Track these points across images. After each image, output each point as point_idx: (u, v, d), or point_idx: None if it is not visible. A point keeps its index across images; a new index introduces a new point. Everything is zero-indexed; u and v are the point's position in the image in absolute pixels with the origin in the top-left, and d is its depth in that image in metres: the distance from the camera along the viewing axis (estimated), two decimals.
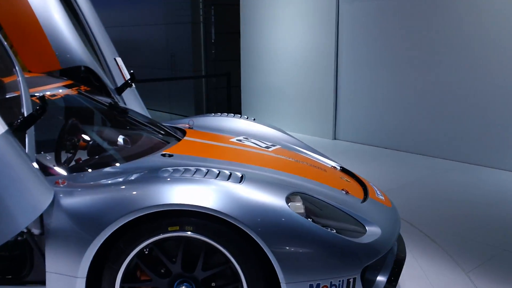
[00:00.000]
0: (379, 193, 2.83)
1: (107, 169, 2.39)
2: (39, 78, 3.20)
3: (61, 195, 2.07)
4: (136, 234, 2.00)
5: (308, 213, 2.17)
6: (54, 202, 2.05)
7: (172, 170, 2.16)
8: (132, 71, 4.06)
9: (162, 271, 2.08)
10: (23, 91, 2.24)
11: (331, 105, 6.88)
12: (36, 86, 2.91)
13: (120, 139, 3.01)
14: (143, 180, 2.11)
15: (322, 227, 2.13)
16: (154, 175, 2.12)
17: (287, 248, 1.98)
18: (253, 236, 1.95)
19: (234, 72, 8.22)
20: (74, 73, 3.57)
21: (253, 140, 3.24)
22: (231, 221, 1.95)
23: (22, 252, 2.15)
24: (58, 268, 2.02)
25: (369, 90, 6.53)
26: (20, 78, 2.29)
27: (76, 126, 3.25)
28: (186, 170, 2.17)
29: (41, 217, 2.01)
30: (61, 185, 2.15)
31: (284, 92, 7.53)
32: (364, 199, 2.63)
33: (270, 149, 3.09)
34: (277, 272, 1.97)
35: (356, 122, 6.75)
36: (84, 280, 2.00)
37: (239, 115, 3.85)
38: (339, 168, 3.19)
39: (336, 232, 2.14)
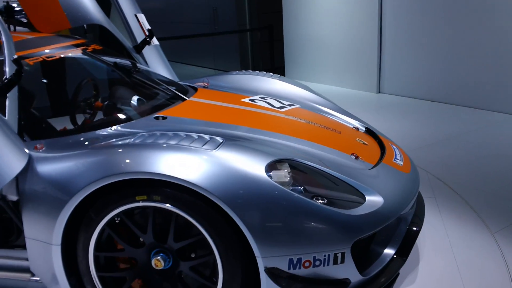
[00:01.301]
0: (398, 158, 2.55)
1: (88, 134, 2.30)
2: (48, 38, 3.15)
3: (37, 160, 2.02)
4: (105, 203, 1.92)
5: (300, 182, 1.98)
6: (30, 167, 2.01)
7: (147, 135, 2.04)
8: (150, 27, 3.92)
9: (136, 241, 1.99)
10: (7, 54, 2.19)
11: (375, 57, 6.42)
12: (42, 46, 2.87)
13: (120, 100, 2.94)
14: (114, 147, 1.99)
15: (312, 197, 1.94)
16: (126, 141, 2.01)
17: (262, 219, 1.81)
18: (222, 207, 1.80)
19: (277, 25, 7.87)
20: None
21: (269, 100, 3.03)
22: (198, 191, 1.81)
23: (7, 217, 2.17)
24: (35, 234, 1.99)
25: (415, 41, 5.99)
26: (4, 40, 2.24)
27: (89, 86, 3.23)
28: (162, 135, 2.03)
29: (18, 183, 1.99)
30: (40, 150, 2.11)
31: (327, 45, 7.13)
32: (376, 164, 2.38)
33: (283, 110, 2.87)
34: (252, 245, 1.80)
35: (401, 74, 6.27)
36: (59, 247, 1.97)
37: (264, 72, 3.65)
38: (363, 129, 2.92)
39: (329, 202, 1.94)
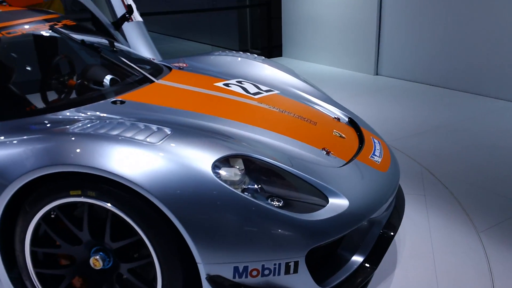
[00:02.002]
0: (377, 154, 2.34)
1: (37, 118, 2.12)
2: (18, 12, 2.95)
3: None
4: (38, 196, 1.75)
5: (256, 181, 1.80)
6: None
7: (88, 124, 1.85)
8: (131, 3, 3.70)
9: (73, 238, 1.83)
10: None
11: (373, 39, 6.15)
12: (11, 20, 2.68)
13: (90, 80, 2.74)
14: (49, 135, 1.81)
15: (268, 197, 1.76)
16: (64, 130, 1.82)
17: (204, 222, 1.62)
18: (160, 207, 1.62)
19: (276, 3, 7.57)
20: None
21: (245, 85, 2.83)
22: (134, 188, 1.62)
23: None
24: None
25: (415, 23, 5.72)
26: None
27: (62, 63, 3.03)
28: (104, 124, 1.83)
29: None
30: None
31: (325, 24, 6.86)
32: (349, 161, 2.18)
33: (257, 96, 2.67)
34: (192, 250, 1.63)
35: (399, 56, 6.02)
36: None
37: (248, 54, 3.43)
38: (345, 119, 2.72)
39: (285, 204, 1.76)
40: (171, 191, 1.62)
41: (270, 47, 7.92)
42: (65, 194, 1.71)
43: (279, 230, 1.69)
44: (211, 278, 1.67)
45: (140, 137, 1.74)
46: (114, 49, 3.07)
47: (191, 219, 1.62)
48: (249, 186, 1.78)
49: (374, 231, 2.12)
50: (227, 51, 3.49)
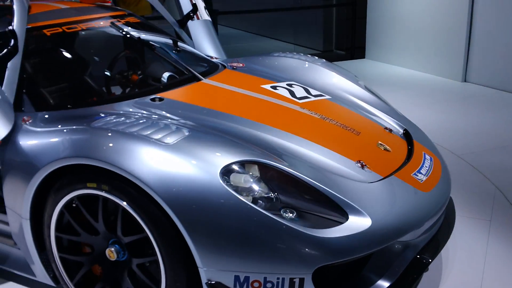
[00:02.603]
0: (422, 172, 2.14)
1: (74, 111, 2.22)
2: (84, 8, 3.15)
3: (19, 132, 2.03)
4: (61, 185, 1.84)
5: (270, 189, 1.73)
6: (12, 138, 2.02)
7: (113, 120, 1.90)
8: (195, 1, 3.76)
9: (92, 228, 1.90)
10: (15, 24, 2.20)
11: (462, 43, 5.67)
12: (75, 16, 2.87)
13: (141, 76, 2.84)
14: (78, 129, 1.88)
15: (281, 208, 1.69)
16: (89, 124, 1.89)
17: (207, 227, 1.59)
18: (163, 207, 1.61)
19: (362, 2, 7.28)
20: None
21: (295, 88, 2.74)
22: (141, 186, 1.64)
23: None
24: (12, 205, 2.00)
25: (509, 28, 5.16)
26: (16, 11, 2.25)
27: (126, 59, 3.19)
28: (125, 120, 1.88)
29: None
30: (27, 123, 2.10)
31: (412, 26, 6.48)
32: (386, 177, 2.02)
33: (303, 101, 2.56)
34: (193, 253, 1.61)
35: (491, 63, 5.49)
36: (28, 222, 1.95)
37: (309, 56, 3.33)
38: (400, 131, 2.53)
39: (299, 216, 1.68)
40: (176, 193, 1.61)
41: (352, 48, 7.66)
42: (83, 186, 1.78)
43: (285, 244, 1.60)
44: (211, 284, 1.64)
45: (156, 136, 1.75)
46: (178, 48, 3.15)
47: (194, 222, 1.60)
48: (263, 194, 1.72)
49: (407, 255, 1.95)
50: (287, 53, 3.42)
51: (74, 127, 1.92)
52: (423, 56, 6.40)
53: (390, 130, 2.52)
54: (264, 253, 1.60)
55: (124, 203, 1.70)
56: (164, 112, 2.18)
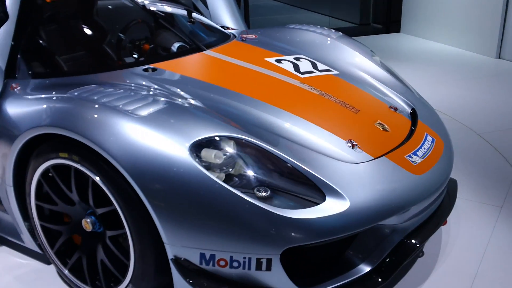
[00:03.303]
0: (418, 154, 2.01)
1: (65, 79, 2.19)
2: None
3: (5, 99, 2.03)
4: (38, 154, 1.84)
5: (246, 165, 1.67)
6: None
7: (88, 89, 1.86)
8: None
9: (68, 197, 1.89)
10: None
11: (498, 18, 5.34)
12: None
13: (152, 46, 2.78)
14: (58, 98, 1.86)
15: (255, 186, 1.63)
16: (69, 93, 1.87)
17: (172, 202, 1.55)
18: (129, 181, 1.58)
19: None
20: None
21: (301, 62, 2.61)
22: (108, 158, 1.60)
23: None
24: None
25: None
26: None
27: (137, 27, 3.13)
28: (102, 90, 1.84)
29: None
30: (15, 90, 2.10)
31: (447, 0, 6.12)
32: (376, 158, 1.91)
33: (304, 76, 2.45)
34: (158, 229, 1.58)
35: None
36: (12, 189, 1.98)
37: (326, 28, 3.19)
38: (407, 110, 2.38)
39: (271, 195, 1.61)
40: (143, 166, 1.57)
41: (388, 22, 7.34)
42: (56, 155, 1.77)
43: (252, 223, 1.54)
44: (176, 261, 1.61)
45: (129, 107, 1.70)
46: (191, 19, 3.08)
47: (159, 197, 1.56)
48: (237, 171, 1.66)
49: (393, 239, 1.86)
50: (303, 25, 3.28)
51: (53, 95, 1.91)
52: (458, 31, 6.10)
53: (396, 109, 2.38)
54: (230, 231, 1.55)
55: (93, 174, 1.68)
56: (152, 83, 2.13)
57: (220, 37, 2.95)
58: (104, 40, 2.63)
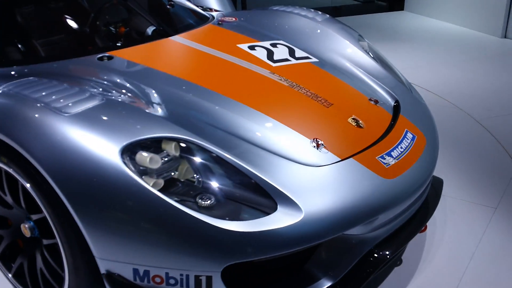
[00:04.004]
0: (394, 155, 1.79)
1: (3, 69, 2.01)
2: None
3: None
4: None
5: (196, 171, 1.50)
6: None
7: (19, 83, 1.68)
8: None
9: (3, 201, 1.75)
10: None
11: None
12: None
13: (128, 29, 2.59)
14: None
15: (197, 194, 1.45)
16: (2, 88, 1.69)
17: (101, 214, 1.39)
18: (55, 189, 1.42)
19: None
20: None
21: (277, 48, 2.39)
22: (32, 162, 1.44)
23: None
24: None
25: None
26: None
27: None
28: (34, 84, 1.67)
29: None
30: None
31: None
32: (343, 160, 1.72)
33: (276, 64, 2.24)
34: (88, 242, 1.43)
35: None
36: None
37: (312, 10, 2.97)
38: (391, 103, 2.16)
39: (215, 205, 1.44)
40: (68, 170, 1.40)
41: None
42: None
43: (189, 237, 1.37)
44: (109, 276, 1.46)
45: (58, 103, 1.52)
46: (171, 2, 2.87)
47: (86, 206, 1.40)
48: (179, 176, 1.49)
49: (360, 250, 1.68)
50: (289, 6, 3.07)
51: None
52: (463, 9, 5.89)
53: (376, 102, 2.17)
54: (165, 245, 1.39)
55: (21, 177, 1.53)
56: (101, 74, 1.95)
57: (196, 20, 2.75)
58: (61, 24, 2.44)
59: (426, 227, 2.03)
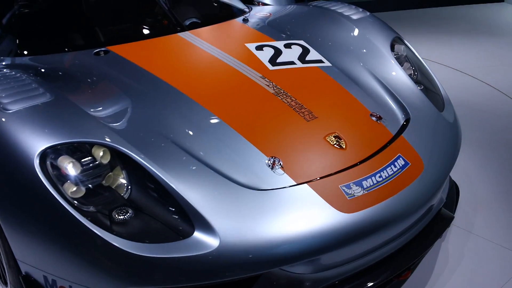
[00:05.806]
0: (366, 185, 1.54)
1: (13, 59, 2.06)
2: None
3: None
4: None
5: (121, 182, 1.43)
6: None
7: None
8: None
9: None
10: None
11: None
12: None
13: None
14: None
15: (116, 207, 1.38)
16: None
17: (16, 219, 1.39)
18: None
19: None
20: None
21: (291, 50, 2.23)
22: None
23: None
24: None
25: None
26: None
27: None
28: (4, 78, 1.69)
29: None
30: None
31: None
32: (297, 185, 1.52)
33: (274, 68, 2.05)
34: (9, 242, 1.45)
35: None
36: None
37: (353, 7, 2.71)
38: (400, 122, 1.89)
39: (130, 221, 1.36)
40: None
41: None
42: None
43: (93, 255, 1.31)
44: (27, 278, 1.46)
45: (5, 99, 1.51)
46: None
47: (6, 209, 1.41)
48: (109, 183, 1.43)
49: None
50: (330, 1, 2.83)
51: None
52: None
53: (379, 118, 1.90)
54: (70, 259, 1.34)
55: None
56: (84, 70, 1.96)
57: (221, 16, 2.65)
58: (66, 14, 2.47)
59: (409, 273, 1.73)
